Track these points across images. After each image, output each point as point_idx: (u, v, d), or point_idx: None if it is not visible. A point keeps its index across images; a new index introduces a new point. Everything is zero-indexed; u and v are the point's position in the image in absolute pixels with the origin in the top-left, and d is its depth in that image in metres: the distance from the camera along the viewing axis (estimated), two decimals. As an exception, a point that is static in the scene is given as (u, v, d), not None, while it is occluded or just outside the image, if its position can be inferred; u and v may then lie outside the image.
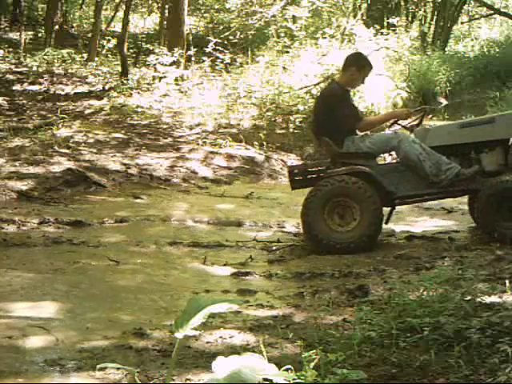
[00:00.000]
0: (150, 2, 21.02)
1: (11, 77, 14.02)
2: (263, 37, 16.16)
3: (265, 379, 2.33)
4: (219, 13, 19.24)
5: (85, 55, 15.79)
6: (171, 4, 14.36)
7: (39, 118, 11.26)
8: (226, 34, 15.98)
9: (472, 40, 21.48)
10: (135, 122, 11.26)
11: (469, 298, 3.98)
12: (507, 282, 4.29)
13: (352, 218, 6.16)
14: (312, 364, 3.12)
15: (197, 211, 7.63)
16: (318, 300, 4.78)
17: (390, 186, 6.25)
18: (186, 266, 5.79)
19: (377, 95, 12.39)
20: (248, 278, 5.48)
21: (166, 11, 15.68)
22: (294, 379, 2.90)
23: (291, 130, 11.27)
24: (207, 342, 3.96)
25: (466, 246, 5.99)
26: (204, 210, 7.67)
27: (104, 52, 15.67)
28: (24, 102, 12.42)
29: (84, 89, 13.54)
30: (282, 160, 10.26)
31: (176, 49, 13.12)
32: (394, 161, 6.64)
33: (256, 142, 10.48)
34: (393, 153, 7.01)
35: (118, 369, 3.53)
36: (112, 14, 19.44)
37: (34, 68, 14.46)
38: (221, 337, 4.03)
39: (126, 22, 14.21)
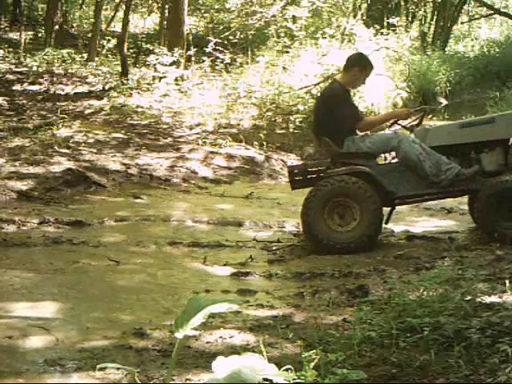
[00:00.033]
0: (150, 1, 21.03)
1: (11, 77, 14.02)
2: (263, 37, 16.17)
3: (265, 379, 2.33)
4: (219, 13, 19.24)
5: (85, 55, 15.79)
6: (171, 4, 14.36)
7: (39, 118, 11.26)
8: (226, 34, 15.98)
9: (472, 40, 21.49)
10: (135, 122, 11.26)
11: (469, 297, 3.98)
12: (507, 281, 4.29)
13: (352, 217, 6.16)
14: (312, 364, 3.12)
15: (197, 211, 7.62)
16: (318, 300, 4.78)
17: (390, 185, 6.25)
18: (186, 266, 5.79)
19: (377, 95, 12.40)
20: (248, 278, 5.48)
21: (166, 11, 15.69)
22: (294, 379, 2.90)
23: (291, 130, 11.27)
24: (207, 342, 3.96)
25: (466, 246, 5.99)
26: (204, 210, 7.67)
27: (104, 52, 15.67)
28: (24, 101, 12.42)
29: (84, 89, 13.54)
30: (282, 160, 10.26)
31: (176, 49, 13.12)
32: (394, 160, 6.63)
33: (256, 142, 10.48)
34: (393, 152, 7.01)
35: (118, 369, 3.53)
36: (112, 14, 19.44)
37: (34, 68, 14.46)
38: (221, 337, 4.03)
39: (125, 22, 14.21)
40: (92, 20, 17.58)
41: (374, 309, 4.13)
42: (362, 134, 6.42)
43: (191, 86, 12.68)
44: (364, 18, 16.55)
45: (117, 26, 19.11)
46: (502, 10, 21.75)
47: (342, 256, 5.94)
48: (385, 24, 15.86)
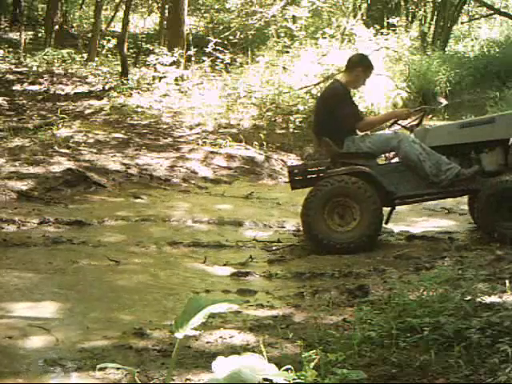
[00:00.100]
0: (150, 1, 21.03)
1: (11, 77, 14.02)
2: (263, 37, 16.16)
3: (265, 379, 2.33)
4: (219, 13, 19.24)
5: (85, 55, 15.79)
6: (171, 4, 14.36)
7: (39, 118, 11.26)
8: (226, 34, 15.98)
9: (472, 40, 21.47)
10: (135, 122, 11.26)
11: (469, 297, 3.98)
12: (507, 281, 4.29)
13: (352, 218, 6.16)
14: (312, 364, 3.12)
15: (197, 211, 7.62)
16: (318, 300, 4.78)
17: (390, 185, 6.25)
18: (186, 266, 5.79)
19: (377, 95, 12.39)
20: (248, 278, 5.48)
21: (166, 11, 15.69)
22: (294, 379, 2.90)
23: (291, 130, 11.27)
24: (207, 342, 3.96)
25: (466, 246, 6.00)
26: (204, 210, 7.67)
27: (104, 52, 15.67)
28: (24, 101, 12.42)
29: (84, 89, 13.54)
30: (282, 160, 10.26)
31: (176, 49, 13.12)
32: (394, 160, 6.63)
33: (256, 142, 10.48)
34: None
35: (118, 369, 3.53)
36: (112, 14, 19.44)
37: (34, 68, 14.46)
38: (221, 337, 4.03)
39: (125, 22, 14.21)
40: (92, 20, 17.58)
41: (373, 309, 4.13)
42: (362, 134, 6.43)
43: (191, 86, 12.68)
44: (364, 18, 16.54)
45: (117, 26, 19.11)
46: (502, 10, 21.73)
47: (342, 256, 5.95)
48: (385, 24, 15.85)
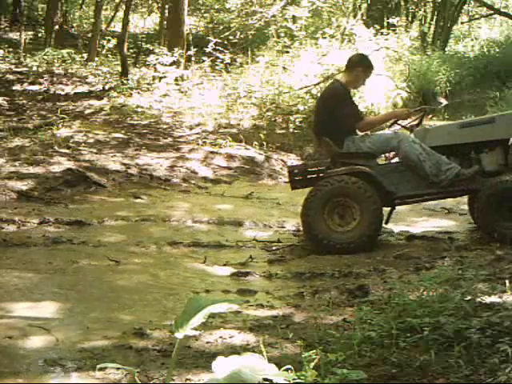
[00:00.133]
0: (150, 1, 21.03)
1: (11, 77, 14.02)
2: (263, 37, 16.16)
3: (265, 379, 2.33)
4: (219, 13, 19.24)
5: (85, 55, 15.79)
6: (171, 4, 14.36)
7: (39, 118, 11.26)
8: (226, 34, 15.98)
9: (472, 40, 21.47)
10: (135, 122, 11.26)
11: (469, 297, 3.98)
12: (507, 282, 4.29)
13: (352, 217, 6.16)
14: (312, 364, 3.12)
15: (197, 211, 7.62)
16: (318, 300, 4.78)
17: (390, 186, 6.25)
18: (186, 266, 5.79)
19: (377, 95, 12.39)
20: (248, 278, 5.48)
21: (166, 11, 15.69)
22: (294, 379, 2.90)
23: (291, 129, 11.27)
24: (207, 342, 3.96)
25: (466, 246, 5.99)
26: (204, 210, 7.67)
27: (104, 52, 15.67)
28: (24, 101, 12.42)
29: (84, 89, 13.54)
30: (282, 160, 10.26)
31: (176, 49, 13.12)
32: (394, 160, 6.63)
33: (256, 142, 10.48)
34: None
35: (118, 369, 3.53)
36: (112, 13, 19.44)
37: (34, 68, 14.46)
38: (221, 337, 4.03)
39: (125, 22, 14.21)
40: (92, 20, 17.59)
41: (373, 309, 4.13)
42: (362, 134, 6.43)
43: (191, 86, 12.67)
44: (364, 18, 16.54)
45: (117, 26, 19.11)
46: (502, 10, 21.73)
47: (342, 256, 5.95)
48: (385, 24, 15.85)
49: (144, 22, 21.60)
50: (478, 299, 3.99)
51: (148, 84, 13.00)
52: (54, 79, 13.93)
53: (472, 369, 3.22)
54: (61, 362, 3.72)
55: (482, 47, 20.15)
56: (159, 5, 18.00)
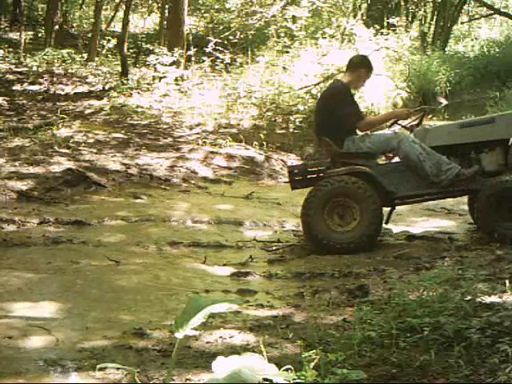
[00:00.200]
0: (150, 1, 21.03)
1: (11, 77, 14.02)
2: (263, 37, 16.16)
3: (265, 379, 2.33)
4: (219, 13, 19.24)
5: (85, 55, 15.80)
6: (171, 4, 14.36)
7: (39, 118, 11.26)
8: (226, 34, 15.97)
9: (472, 40, 21.46)
10: (135, 122, 11.26)
11: (469, 297, 3.98)
12: (507, 281, 4.29)
13: (352, 217, 6.16)
14: (312, 364, 3.12)
15: (197, 211, 7.62)
16: (318, 300, 4.78)
17: (390, 185, 6.25)
18: (186, 266, 5.79)
19: (377, 95, 12.39)
20: (248, 278, 5.48)
21: (166, 11, 15.69)
22: (294, 379, 2.90)
23: (291, 129, 11.27)
24: (207, 342, 3.96)
25: (466, 246, 5.99)
26: (204, 210, 7.67)
27: (104, 52, 15.68)
28: (24, 101, 12.42)
29: (84, 89, 13.54)
30: (282, 160, 10.26)
31: (176, 49, 13.12)
32: (394, 160, 6.63)
33: (256, 142, 10.48)
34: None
35: (118, 369, 3.53)
36: (112, 14, 19.44)
37: (34, 68, 14.46)
38: (221, 337, 4.03)
39: (125, 22, 14.21)
40: (92, 20, 17.59)
41: (373, 309, 4.13)
42: (362, 134, 6.43)
43: (191, 86, 12.67)
44: (364, 18, 16.54)
45: (117, 26, 19.11)
46: (502, 10, 21.73)
47: (342, 256, 5.94)
48: (385, 24, 15.85)
49: (144, 22, 21.60)
50: (478, 299, 3.99)
51: (148, 84, 13.00)
52: (54, 79, 13.93)
53: (472, 369, 3.22)
54: (61, 362, 3.72)
55: (482, 47, 20.15)
56: (159, 5, 18.00)
